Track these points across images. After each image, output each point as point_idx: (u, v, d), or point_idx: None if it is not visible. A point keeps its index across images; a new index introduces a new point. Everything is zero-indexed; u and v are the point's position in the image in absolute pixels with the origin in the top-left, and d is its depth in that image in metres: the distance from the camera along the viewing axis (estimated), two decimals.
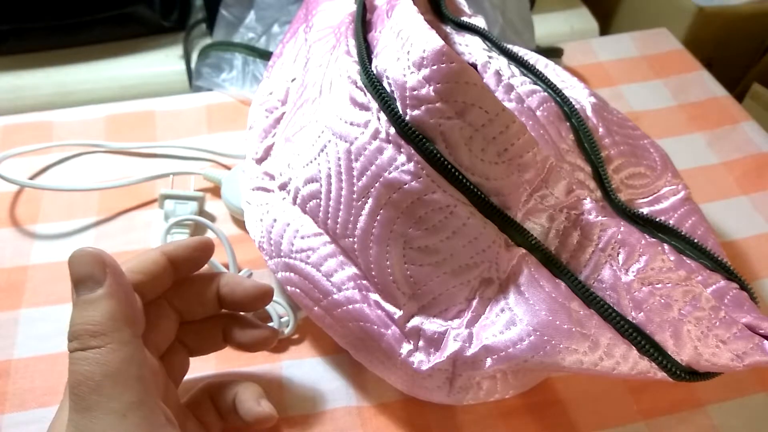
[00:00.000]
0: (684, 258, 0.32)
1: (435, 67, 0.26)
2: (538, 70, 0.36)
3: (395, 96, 0.28)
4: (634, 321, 0.28)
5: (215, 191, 0.45)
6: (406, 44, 0.27)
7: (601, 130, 0.35)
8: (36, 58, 0.63)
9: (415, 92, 0.27)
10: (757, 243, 0.43)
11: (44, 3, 0.60)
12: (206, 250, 0.31)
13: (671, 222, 0.33)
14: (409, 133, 0.27)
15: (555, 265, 0.29)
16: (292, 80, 0.39)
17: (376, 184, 0.29)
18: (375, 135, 0.29)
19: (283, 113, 0.38)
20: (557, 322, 0.27)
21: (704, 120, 0.52)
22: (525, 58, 0.38)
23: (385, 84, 0.29)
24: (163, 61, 0.64)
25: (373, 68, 0.30)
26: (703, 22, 0.72)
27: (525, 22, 0.57)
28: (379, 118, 0.28)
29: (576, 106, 0.35)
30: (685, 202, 0.35)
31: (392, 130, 0.28)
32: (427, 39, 0.26)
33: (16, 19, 0.61)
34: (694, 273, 0.31)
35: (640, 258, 0.28)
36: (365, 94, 0.29)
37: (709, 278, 0.31)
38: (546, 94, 0.35)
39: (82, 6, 0.61)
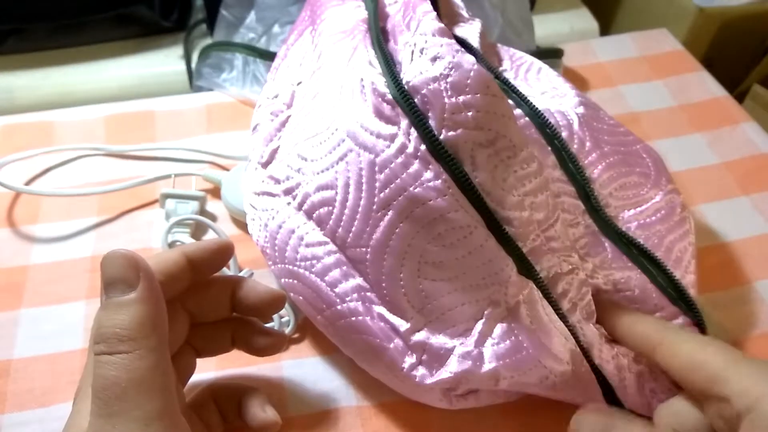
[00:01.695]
0: (652, 290, 0.33)
1: (478, 95, 0.27)
2: (519, 90, 0.36)
3: (429, 114, 0.28)
4: (598, 365, 0.31)
5: (215, 191, 0.45)
6: (443, 65, 0.28)
7: (588, 143, 0.35)
8: (36, 58, 0.63)
9: (453, 115, 0.27)
10: (757, 243, 0.44)
11: (44, 3, 0.60)
12: (226, 252, 0.31)
13: (655, 241, 0.34)
14: (441, 153, 0.28)
15: (551, 302, 0.30)
16: (298, 84, 0.38)
17: (400, 198, 0.29)
18: (401, 149, 0.29)
19: (289, 117, 0.38)
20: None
21: (704, 120, 0.52)
22: (507, 77, 0.38)
23: (416, 100, 0.29)
24: (163, 61, 0.64)
25: (403, 83, 0.29)
26: (703, 23, 0.72)
27: (525, 23, 0.56)
28: (408, 134, 0.28)
29: (562, 123, 0.35)
30: (676, 213, 0.35)
31: (423, 147, 0.28)
32: (471, 66, 0.27)
33: (16, 19, 0.61)
34: (657, 310, 0.33)
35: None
36: (393, 107, 0.29)
37: (667, 316, 0.33)
38: (526, 119, 0.35)
39: (82, 6, 0.61)
